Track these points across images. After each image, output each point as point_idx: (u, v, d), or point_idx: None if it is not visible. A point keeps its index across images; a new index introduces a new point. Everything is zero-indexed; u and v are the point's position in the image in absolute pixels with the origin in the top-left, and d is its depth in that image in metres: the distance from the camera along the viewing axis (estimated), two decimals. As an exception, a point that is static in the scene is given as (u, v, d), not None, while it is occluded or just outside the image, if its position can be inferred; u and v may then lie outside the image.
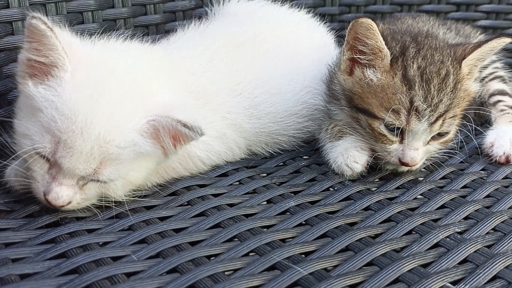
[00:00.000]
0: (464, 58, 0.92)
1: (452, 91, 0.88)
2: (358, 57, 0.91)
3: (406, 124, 0.88)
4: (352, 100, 0.94)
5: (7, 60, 0.94)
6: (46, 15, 1.00)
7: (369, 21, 0.86)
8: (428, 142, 0.92)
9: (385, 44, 0.88)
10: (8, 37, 0.94)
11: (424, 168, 1.00)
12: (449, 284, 0.66)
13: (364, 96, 0.91)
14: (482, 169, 1.01)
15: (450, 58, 0.90)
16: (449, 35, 1.25)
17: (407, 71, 0.87)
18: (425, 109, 0.86)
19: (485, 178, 0.97)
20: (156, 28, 1.22)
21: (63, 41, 0.76)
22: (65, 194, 0.78)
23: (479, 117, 1.25)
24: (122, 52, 0.85)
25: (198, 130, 0.78)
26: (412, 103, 0.86)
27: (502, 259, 0.70)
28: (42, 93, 0.75)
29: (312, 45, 1.15)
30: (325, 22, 1.54)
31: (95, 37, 0.86)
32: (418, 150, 0.90)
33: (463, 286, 0.66)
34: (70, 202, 0.79)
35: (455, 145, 1.01)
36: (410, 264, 0.70)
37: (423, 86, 0.86)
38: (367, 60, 0.90)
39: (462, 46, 0.94)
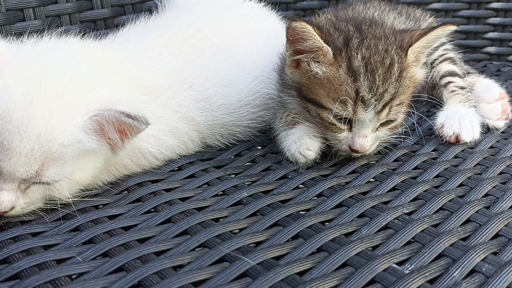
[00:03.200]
0: (410, 45, 0.92)
1: (397, 79, 0.88)
2: (301, 56, 0.90)
3: (353, 113, 0.88)
4: (301, 91, 0.94)
5: None
6: (-18, 14, 0.96)
7: (302, 24, 0.86)
8: (377, 129, 0.92)
9: (327, 38, 0.88)
10: None
11: (378, 152, 1.00)
12: (395, 265, 0.66)
13: (312, 87, 0.91)
14: (434, 150, 1.02)
15: (395, 47, 0.90)
16: (399, 19, 1.25)
17: (351, 62, 0.87)
18: (371, 99, 0.87)
19: (435, 158, 0.98)
20: (104, 22, 1.19)
21: None
22: (6, 199, 0.75)
23: (433, 99, 1.27)
24: (56, 49, 0.82)
25: (143, 119, 0.76)
26: (357, 94, 0.87)
27: (448, 237, 0.71)
28: None
29: (263, 34, 1.14)
30: (279, 11, 1.55)
31: (26, 36, 0.83)
32: (367, 137, 0.91)
33: (408, 266, 0.66)
34: (13, 208, 0.77)
35: (407, 129, 1.02)
36: (358, 247, 0.70)
37: (368, 77, 0.87)
38: (310, 57, 0.90)
39: (409, 34, 0.94)
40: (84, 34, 0.97)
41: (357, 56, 0.88)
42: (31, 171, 0.75)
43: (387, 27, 0.95)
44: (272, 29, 1.18)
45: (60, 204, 0.80)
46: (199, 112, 1.00)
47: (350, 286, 0.63)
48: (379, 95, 0.88)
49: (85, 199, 0.84)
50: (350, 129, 0.92)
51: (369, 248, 0.71)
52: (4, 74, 0.75)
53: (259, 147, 1.06)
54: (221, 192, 0.88)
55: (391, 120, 0.93)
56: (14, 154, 0.73)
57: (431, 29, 0.93)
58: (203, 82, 1.01)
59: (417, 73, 0.95)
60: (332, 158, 0.98)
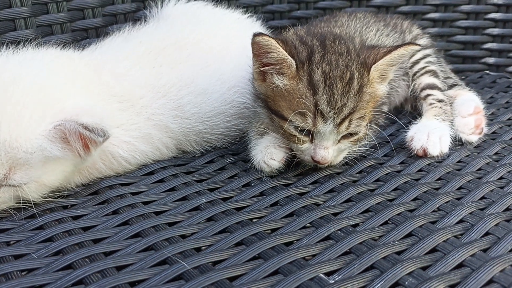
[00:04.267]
0: (374, 63, 0.94)
1: (356, 94, 0.90)
2: (266, 68, 0.94)
3: (313, 126, 0.91)
4: (266, 103, 0.98)
5: None
6: (-26, 24, 1.04)
7: (265, 38, 0.89)
8: (339, 141, 0.95)
9: (291, 52, 0.91)
10: None
11: (345, 163, 1.02)
12: (322, 275, 0.69)
13: (275, 99, 0.95)
14: (401, 163, 1.04)
15: (356, 63, 0.92)
16: (383, 31, 1.27)
17: (312, 76, 0.90)
18: (329, 112, 0.89)
19: (400, 171, 0.99)
20: (96, 31, 1.26)
21: None
22: None
23: (415, 110, 1.28)
24: (30, 60, 0.88)
25: (101, 132, 0.82)
26: (316, 107, 0.89)
27: (382, 250, 0.73)
28: None
29: (243, 45, 1.17)
30: (274, 20, 1.59)
31: (3, 47, 0.90)
32: (328, 149, 0.93)
33: (336, 276, 0.69)
34: None
35: (375, 141, 1.04)
36: (293, 256, 0.73)
37: (326, 91, 0.89)
38: (275, 69, 0.93)
39: (375, 51, 0.96)
40: (72, 43, 1.03)
41: (317, 71, 0.91)
42: None
43: (354, 44, 0.97)
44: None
45: (32, 203, 0.87)
46: (172, 120, 1.05)
47: (275, 293, 0.66)
48: (338, 108, 0.90)
49: (56, 199, 0.90)
50: (312, 141, 0.95)
51: (306, 257, 0.73)
52: None
53: (231, 155, 1.09)
54: (183, 198, 0.92)
55: (353, 133, 0.95)
56: None
57: (395, 48, 0.95)
58: (177, 91, 1.05)
59: (379, 89, 0.96)
60: (297, 168, 1.01)
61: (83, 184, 0.97)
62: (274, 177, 0.99)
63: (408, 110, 1.30)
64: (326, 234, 0.79)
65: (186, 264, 0.71)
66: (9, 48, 0.91)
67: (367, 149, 1.03)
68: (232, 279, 0.69)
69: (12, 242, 0.79)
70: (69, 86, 0.89)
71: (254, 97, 1.08)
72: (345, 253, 0.74)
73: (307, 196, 0.92)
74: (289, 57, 0.92)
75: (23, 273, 0.72)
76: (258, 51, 0.94)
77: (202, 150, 1.11)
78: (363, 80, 0.92)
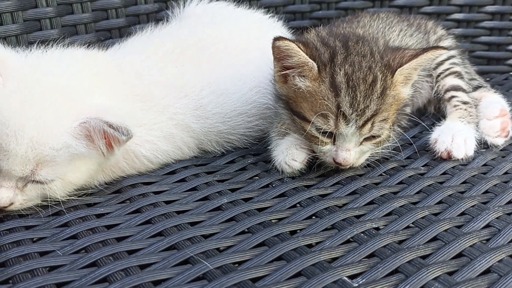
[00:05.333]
0: (400, 66, 0.93)
1: (379, 97, 0.89)
2: (287, 71, 0.94)
3: (335, 128, 0.90)
4: (288, 104, 0.97)
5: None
6: (2, 24, 1.06)
7: (285, 42, 0.89)
8: (361, 143, 0.94)
9: (313, 54, 0.91)
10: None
11: (368, 165, 1.01)
12: (345, 278, 0.68)
13: (297, 101, 0.94)
14: (424, 165, 1.02)
15: (380, 65, 0.91)
16: (406, 31, 1.25)
17: (334, 78, 0.89)
18: (352, 114, 0.88)
19: (423, 174, 0.98)
20: (119, 31, 1.27)
21: None
22: (5, 195, 0.84)
23: (438, 112, 1.26)
24: (58, 59, 0.90)
25: (125, 131, 0.82)
26: (339, 109, 0.89)
27: (406, 254, 0.72)
28: None
29: (265, 45, 1.17)
30: (295, 20, 1.58)
31: (34, 47, 0.91)
32: (350, 151, 0.93)
33: (360, 280, 0.68)
34: (12, 203, 0.85)
35: (398, 144, 1.02)
36: (316, 258, 0.72)
37: (349, 93, 0.88)
38: (296, 72, 0.92)
39: (400, 54, 0.95)
40: (96, 43, 1.04)
41: (340, 72, 0.90)
42: (26, 170, 0.82)
43: (377, 45, 0.96)
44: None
45: (56, 201, 0.88)
46: (194, 120, 1.05)
47: (298, 295, 0.66)
48: (360, 111, 0.89)
49: (81, 197, 0.91)
50: (333, 143, 0.94)
51: (328, 260, 0.73)
52: (7, 83, 0.83)
53: (252, 155, 1.09)
54: (204, 197, 0.92)
55: (375, 136, 0.94)
56: (11, 155, 0.81)
57: (422, 51, 0.93)
58: (199, 91, 1.06)
59: (403, 92, 0.95)
60: (319, 169, 1.00)
61: (106, 183, 0.98)
62: (295, 178, 0.99)
63: (431, 112, 1.29)
64: (348, 237, 0.78)
65: (208, 264, 0.71)
66: (37, 47, 0.92)
67: (389, 151, 1.02)
68: (254, 280, 0.69)
69: (37, 239, 0.80)
70: (94, 85, 0.90)
71: (275, 98, 1.07)
72: (369, 256, 0.74)
73: (329, 197, 0.91)
74: (310, 60, 0.91)
75: (48, 270, 0.72)
76: (279, 54, 0.93)
77: (223, 150, 1.11)
78: (387, 83, 0.91)
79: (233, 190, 0.95)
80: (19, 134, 0.80)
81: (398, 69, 0.92)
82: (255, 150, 1.12)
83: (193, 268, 0.71)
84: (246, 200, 0.91)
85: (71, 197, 0.90)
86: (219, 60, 1.09)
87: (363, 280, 0.68)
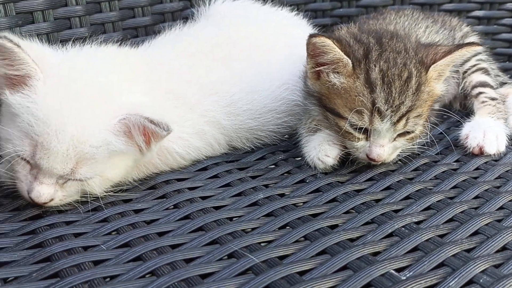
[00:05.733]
0: (434, 63, 0.93)
1: (414, 93, 0.90)
2: (321, 67, 0.94)
3: (370, 124, 0.91)
4: (321, 100, 0.98)
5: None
6: (33, 23, 1.06)
7: (322, 39, 0.90)
8: (394, 139, 0.94)
9: (347, 50, 0.91)
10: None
11: (399, 160, 1.02)
12: (393, 271, 0.69)
13: (330, 97, 0.95)
14: (456, 161, 1.02)
15: (414, 61, 0.91)
16: (432, 28, 1.26)
17: (369, 74, 0.90)
18: (387, 110, 0.89)
19: (456, 169, 0.98)
20: (145, 30, 1.28)
21: (33, 53, 0.82)
22: (46, 192, 0.84)
23: (464, 109, 1.27)
24: (93, 57, 0.90)
25: (165, 126, 0.83)
26: (374, 105, 0.89)
27: (451, 248, 0.73)
28: (19, 101, 0.82)
29: (292, 42, 1.18)
30: (316, 18, 1.58)
31: (70, 44, 0.92)
32: (384, 147, 0.93)
33: (406, 273, 0.69)
34: (52, 199, 0.85)
35: (428, 139, 1.03)
36: (360, 252, 0.73)
37: (384, 89, 0.89)
38: (330, 68, 0.93)
39: (433, 50, 0.95)
40: (122, 41, 1.05)
41: (375, 69, 0.90)
42: (66, 169, 0.83)
43: (410, 41, 0.96)
44: (301, 37, 1.21)
45: (94, 197, 0.88)
46: (225, 117, 1.06)
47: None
48: (395, 107, 0.90)
49: (116, 194, 0.91)
50: (367, 139, 0.94)
51: (371, 253, 0.73)
52: (48, 80, 0.84)
53: (282, 152, 1.10)
54: (240, 193, 0.93)
55: (409, 131, 0.94)
56: (52, 153, 0.81)
57: (456, 48, 0.94)
58: (229, 88, 1.06)
59: (437, 88, 0.95)
60: (351, 165, 1.00)
61: (140, 179, 0.98)
62: (328, 174, 0.99)
63: (456, 109, 1.29)
64: (390, 231, 0.78)
65: (254, 258, 0.72)
66: (72, 45, 0.92)
67: (420, 147, 1.02)
68: (301, 273, 0.70)
69: (79, 234, 0.81)
70: (129, 82, 0.91)
71: (305, 94, 1.08)
72: (412, 250, 0.74)
73: (365, 193, 0.91)
74: (345, 56, 0.91)
75: (94, 264, 0.73)
76: (314, 51, 0.94)
77: (253, 147, 1.12)
78: (421, 79, 0.92)
79: (267, 186, 0.95)
80: (60, 133, 0.81)
81: (432, 66, 0.93)
82: (284, 147, 1.13)
83: (239, 261, 0.71)
84: (281, 195, 0.92)
85: (108, 193, 0.90)
86: (248, 58, 1.10)
87: (410, 273, 0.68)
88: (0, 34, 0.81)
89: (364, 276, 0.68)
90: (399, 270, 0.70)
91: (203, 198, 0.91)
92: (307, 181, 0.97)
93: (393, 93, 0.89)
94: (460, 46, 0.94)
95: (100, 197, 0.88)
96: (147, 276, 0.70)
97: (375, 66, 0.90)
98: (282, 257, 0.73)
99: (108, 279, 0.70)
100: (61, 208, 0.88)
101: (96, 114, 0.83)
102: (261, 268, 0.70)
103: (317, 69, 0.95)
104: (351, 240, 0.77)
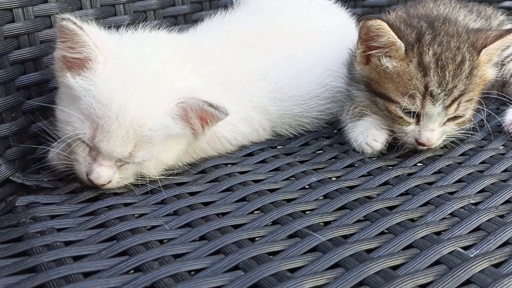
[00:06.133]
0: (484, 47, 0.94)
1: (467, 77, 0.90)
2: (373, 51, 0.94)
3: (422, 108, 0.91)
4: (370, 85, 0.98)
5: (47, 51, 1.02)
6: (81, 9, 1.07)
7: (378, 22, 0.90)
8: (444, 123, 0.95)
9: (399, 34, 0.92)
10: (47, 30, 1.02)
11: (444, 146, 1.02)
12: (460, 249, 0.69)
13: (381, 81, 0.95)
14: (502, 146, 1.03)
15: (467, 45, 0.92)
16: (470, 17, 1.26)
17: (422, 58, 0.90)
18: (440, 94, 0.89)
19: (503, 154, 0.99)
20: (184, 18, 1.29)
21: (93, 36, 0.83)
22: (105, 173, 0.85)
23: (504, 96, 1.27)
24: (149, 42, 0.91)
25: (223, 109, 0.84)
26: (427, 89, 0.90)
27: (513, 227, 0.73)
28: (80, 83, 0.82)
29: (333, 30, 1.19)
30: (348, 8, 1.59)
31: (123, 28, 0.92)
32: (434, 131, 0.94)
33: (474, 251, 0.69)
34: (110, 181, 0.86)
35: (475, 125, 1.03)
36: (424, 231, 0.73)
37: (438, 72, 0.89)
38: (382, 52, 0.93)
39: (484, 34, 0.96)
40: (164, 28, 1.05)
41: (428, 52, 0.91)
42: (125, 151, 0.84)
43: (461, 25, 0.97)
44: (342, 25, 1.23)
45: (148, 180, 0.89)
46: (271, 102, 1.06)
47: (415, 265, 0.67)
48: (448, 90, 0.90)
49: (169, 177, 0.92)
50: (417, 123, 0.95)
51: (435, 233, 0.74)
52: (107, 64, 0.84)
53: (325, 138, 1.10)
54: (291, 177, 0.94)
55: (459, 116, 0.95)
56: (112, 136, 0.82)
57: (508, 32, 0.94)
58: (275, 74, 1.07)
59: (488, 72, 0.96)
60: (397, 150, 1.01)
61: (188, 164, 0.99)
62: (375, 159, 1.00)
63: (494, 96, 1.29)
64: (449, 212, 0.79)
65: (320, 236, 0.73)
66: (125, 29, 0.93)
67: (462, 133, 1.03)
68: (368, 251, 0.70)
69: (139, 215, 0.82)
70: (183, 67, 0.92)
71: (349, 81, 1.08)
72: (475, 230, 0.75)
73: (416, 176, 0.92)
74: (398, 39, 0.92)
75: (160, 243, 0.74)
76: (367, 35, 0.94)
77: (296, 133, 1.13)
78: (474, 63, 0.92)
79: (316, 170, 0.96)
80: (121, 116, 0.81)
81: (484, 49, 0.93)
82: (326, 133, 1.14)
83: (304, 240, 0.72)
84: (332, 179, 0.92)
85: (161, 176, 0.91)
86: (293, 44, 1.10)
87: (477, 251, 0.69)
88: (64, 16, 0.82)
89: (432, 253, 0.68)
90: (465, 248, 0.70)
91: (255, 181, 0.92)
92: (356, 165, 0.97)
93: (446, 77, 0.89)
94: (510, 30, 0.94)
95: (154, 180, 0.89)
96: (214, 254, 0.71)
97: (428, 50, 0.91)
98: (345, 236, 0.74)
99: (177, 257, 0.71)
100: (117, 191, 0.89)
101: (155, 98, 0.84)
102: (327, 247, 0.71)
103: (369, 52, 0.95)
104: (412, 220, 0.78)
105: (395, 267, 0.67)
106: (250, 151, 1.05)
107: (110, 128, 0.82)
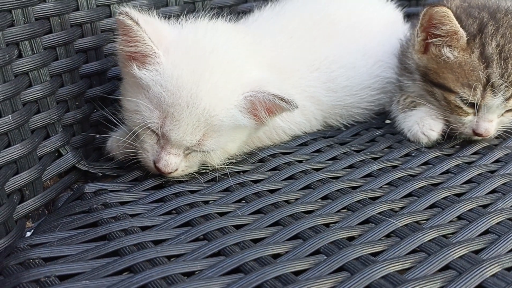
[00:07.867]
0: None
1: None
2: (433, 39, 0.95)
3: (482, 99, 0.91)
4: (427, 75, 0.99)
5: (107, 40, 1.03)
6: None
7: (444, 9, 0.90)
8: (502, 115, 0.95)
9: (460, 24, 0.92)
10: (106, 19, 1.03)
11: (497, 136, 1.03)
12: (539, 234, 0.70)
13: (439, 71, 0.95)
14: (557, 136, 1.03)
15: None
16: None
17: (485, 49, 0.91)
18: (501, 85, 0.90)
19: (560, 143, 0.99)
20: (229, 9, 1.29)
21: (149, 30, 0.83)
22: (173, 161, 0.86)
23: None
24: (212, 31, 0.91)
25: (294, 103, 0.84)
26: (488, 80, 0.90)
27: None
28: (148, 74, 0.83)
29: (382, 21, 1.19)
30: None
31: (183, 18, 0.93)
32: (492, 122, 0.94)
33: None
34: (176, 170, 0.87)
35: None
36: (498, 218, 0.74)
37: (500, 64, 0.90)
38: (443, 41, 0.93)
39: None
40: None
41: (491, 43, 0.91)
42: (194, 140, 0.84)
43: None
44: (390, 16, 1.23)
45: (210, 168, 0.90)
46: (324, 93, 1.07)
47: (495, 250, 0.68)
48: (510, 82, 0.90)
49: (229, 165, 0.93)
50: (475, 113, 0.95)
51: (508, 218, 0.74)
52: (170, 52, 0.85)
53: (375, 128, 1.11)
54: (350, 165, 0.94)
55: (517, 108, 0.95)
56: (182, 125, 0.83)
57: None
58: (329, 64, 1.07)
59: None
60: (452, 140, 1.01)
61: (245, 153, 1.00)
62: (432, 148, 1.00)
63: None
64: (520, 198, 0.80)
65: (395, 221, 0.73)
66: (185, 19, 0.94)
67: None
68: (445, 236, 0.71)
69: (207, 202, 0.83)
70: (247, 58, 0.92)
71: (400, 71, 1.09)
72: (548, 217, 0.75)
73: (475, 165, 0.92)
74: (461, 29, 0.92)
75: (236, 228, 0.75)
76: (429, 22, 0.94)
77: (346, 124, 1.13)
78: None
79: (374, 159, 0.97)
80: (192, 105, 0.82)
81: None
82: (376, 124, 1.14)
83: (381, 225, 0.73)
84: (393, 167, 0.93)
85: (223, 165, 0.92)
86: (346, 35, 1.11)
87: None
88: (121, 10, 0.82)
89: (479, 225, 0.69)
90: (542, 234, 0.71)
91: (316, 170, 0.93)
92: (413, 154, 0.98)
93: (509, 69, 0.90)
94: None
95: (218, 168, 0.90)
96: (292, 239, 0.72)
97: (491, 41, 0.91)
98: (419, 222, 0.75)
99: (256, 241, 0.72)
100: (181, 179, 0.90)
101: (227, 89, 0.84)
102: (404, 232, 0.72)
103: (430, 40, 0.95)
104: (482, 206, 0.78)
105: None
106: (304, 141, 1.06)
107: (180, 117, 0.82)
